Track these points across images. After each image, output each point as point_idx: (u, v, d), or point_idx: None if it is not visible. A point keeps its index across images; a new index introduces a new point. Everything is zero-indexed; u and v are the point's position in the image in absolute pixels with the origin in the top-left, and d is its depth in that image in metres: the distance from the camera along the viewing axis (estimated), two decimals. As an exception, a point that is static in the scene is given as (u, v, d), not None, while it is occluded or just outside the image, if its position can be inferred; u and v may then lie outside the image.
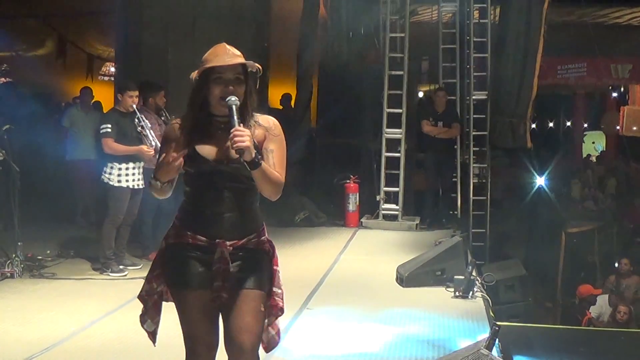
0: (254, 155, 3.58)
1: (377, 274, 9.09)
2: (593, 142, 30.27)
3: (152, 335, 3.95)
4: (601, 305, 12.37)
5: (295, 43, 15.75)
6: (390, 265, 9.03)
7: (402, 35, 13.35)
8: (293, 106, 15.79)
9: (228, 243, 3.76)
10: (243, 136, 3.55)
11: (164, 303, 3.95)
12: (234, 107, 3.69)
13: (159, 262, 3.90)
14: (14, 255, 8.51)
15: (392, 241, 11.30)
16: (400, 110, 12.75)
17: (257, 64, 3.93)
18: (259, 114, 3.92)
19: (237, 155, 3.61)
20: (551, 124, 32.06)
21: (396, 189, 12.64)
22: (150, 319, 3.92)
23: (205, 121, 3.82)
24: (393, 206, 12.59)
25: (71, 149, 11.99)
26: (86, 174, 11.51)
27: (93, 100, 13.17)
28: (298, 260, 9.71)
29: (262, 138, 3.83)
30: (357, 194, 12.48)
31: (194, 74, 3.79)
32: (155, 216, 9.23)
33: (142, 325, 3.93)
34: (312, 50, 15.56)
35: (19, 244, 8.60)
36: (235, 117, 3.64)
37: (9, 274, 8.36)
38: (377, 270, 9.24)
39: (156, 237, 8.25)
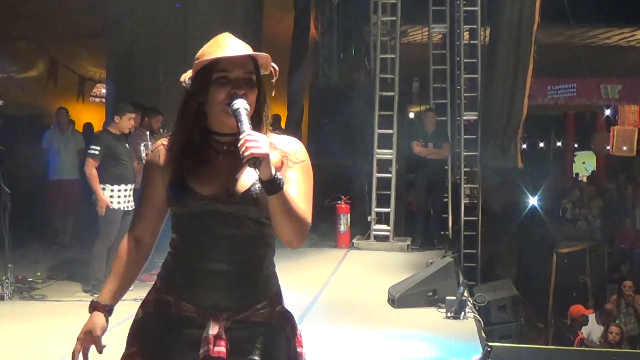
0: (273, 172, 2.57)
1: (368, 294, 9.07)
2: (584, 162, 30.43)
3: None
4: (592, 326, 12.40)
5: (286, 64, 15.79)
6: (382, 286, 9.01)
7: (393, 56, 13.38)
8: (284, 127, 15.82)
9: (225, 315, 2.77)
10: (258, 141, 2.55)
11: None
12: (242, 110, 2.70)
13: (135, 338, 2.89)
14: (4, 277, 8.48)
15: (383, 262, 11.28)
16: (391, 131, 12.76)
17: (274, 64, 2.99)
18: (276, 134, 2.99)
19: (245, 188, 2.76)
20: (542, 144, 32.21)
21: (387, 210, 12.63)
22: None
23: (199, 142, 2.85)
24: (384, 227, 12.58)
25: (52, 169, 12.07)
26: (66, 193, 11.61)
27: (83, 125, 13.22)
28: (289, 281, 9.62)
29: (280, 164, 2.83)
30: (349, 215, 12.46)
31: (186, 76, 2.88)
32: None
33: None
34: (302, 71, 15.60)
35: (10, 266, 8.57)
36: (246, 122, 2.66)
37: (-1, 296, 8.35)
38: (368, 291, 9.22)
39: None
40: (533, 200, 18.86)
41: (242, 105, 2.71)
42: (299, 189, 2.82)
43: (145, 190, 2.98)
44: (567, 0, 13.68)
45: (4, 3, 16.01)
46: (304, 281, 9.77)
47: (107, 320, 2.92)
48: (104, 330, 2.91)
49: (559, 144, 31.32)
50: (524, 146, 15.97)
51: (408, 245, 12.32)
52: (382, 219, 12.72)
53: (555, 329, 14.41)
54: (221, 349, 2.71)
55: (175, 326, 2.79)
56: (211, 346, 2.70)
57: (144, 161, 8.55)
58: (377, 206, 12.71)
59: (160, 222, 2.99)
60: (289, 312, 2.99)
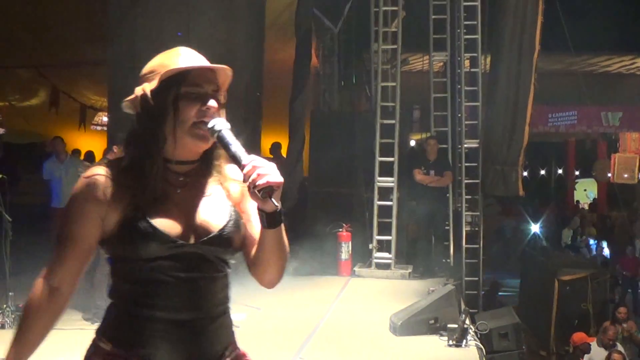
0: (279, 203, 2.34)
1: (370, 322, 9.04)
2: (585, 190, 30.41)
3: None
4: (595, 353, 12.34)
5: (287, 92, 15.84)
6: (384, 314, 8.99)
7: (394, 84, 13.41)
8: (285, 155, 15.84)
9: None
10: (269, 167, 2.31)
11: None
12: (227, 132, 2.39)
13: None
14: (5, 306, 8.46)
15: (385, 290, 11.25)
16: (392, 159, 12.77)
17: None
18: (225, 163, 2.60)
19: (217, 226, 2.44)
20: (543, 172, 32.23)
21: (389, 238, 12.61)
22: None
23: (158, 172, 2.42)
24: (386, 254, 12.55)
25: (54, 197, 12.15)
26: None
27: (85, 152, 13.25)
28: (290, 309, 9.66)
29: (241, 197, 2.56)
30: (350, 243, 12.44)
31: (143, 90, 2.44)
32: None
33: None
34: (304, 99, 15.64)
35: (10, 294, 8.55)
36: (238, 145, 2.38)
37: (0, 325, 8.31)
38: (370, 319, 9.19)
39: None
40: (535, 228, 18.88)
41: (224, 126, 2.41)
42: (256, 218, 2.46)
43: (71, 229, 2.45)
44: (567, 28, 13.75)
45: (6, 31, 16.10)
46: (305, 309, 9.75)
47: None
48: None
49: (560, 171, 31.33)
50: (525, 174, 16.00)
51: (409, 273, 12.28)
52: (384, 246, 12.69)
53: (557, 357, 14.34)
54: None
55: None
56: None
57: None
58: (379, 234, 12.69)
59: (82, 269, 2.51)
60: (245, 355, 2.73)
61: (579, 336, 12.82)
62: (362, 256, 12.76)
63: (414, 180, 12.70)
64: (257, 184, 2.25)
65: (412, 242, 13.24)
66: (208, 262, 2.45)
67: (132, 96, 2.46)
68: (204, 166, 2.53)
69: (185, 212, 2.42)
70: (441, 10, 14.19)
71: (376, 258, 12.55)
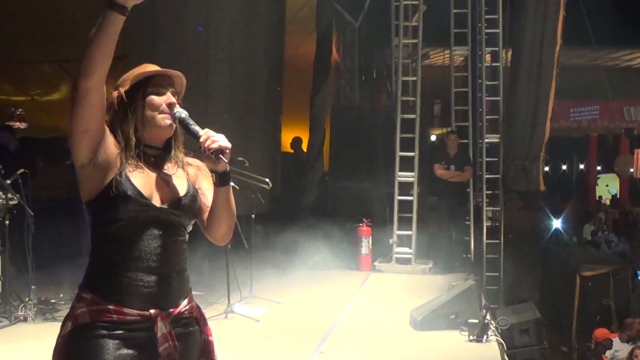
0: (228, 166, 2.98)
1: (390, 317, 9.03)
2: (607, 185, 30.27)
3: None
4: (617, 349, 12.29)
5: (308, 87, 15.83)
6: (404, 309, 8.98)
7: (414, 78, 13.38)
8: (306, 150, 15.85)
9: (165, 313, 2.97)
10: (218, 135, 2.97)
11: None
12: (186, 116, 3.08)
13: (65, 353, 2.97)
14: (27, 299, 8.50)
15: (405, 285, 11.24)
16: (412, 154, 12.75)
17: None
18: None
19: (178, 197, 3.05)
20: (564, 167, 32.09)
21: (409, 233, 12.60)
22: None
23: (136, 153, 3.04)
24: (406, 249, 12.55)
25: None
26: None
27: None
28: (311, 304, 9.67)
29: (196, 177, 3.20)
30: (370, 238, 12.44)
31: (119, 92, 3.07)
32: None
33: None
34: (324, 93, 15.63)
35: (32, 287, 8.60)
36: (194, 127, 3.03)
37: (22, 318, 8.35)
38: (390, 314, 9.18)
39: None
40: (556, 223, 18.80)
41: (184, 112, 3.09)
42: (211, 193, 3.10)
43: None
44: (589, 22, 13.68)
45: (28, 26, 16.18)
46: (325, 304, 9.76)
47: None
48: None
49: (581, 166, 31.18)
50: (547, 169, 15.94)
51: (430, 268, 12.27)
52: (404, 241, 12.68)
53: (579, 352, 14.30)
54: (174, 344, 2.94)
55: (120, 332, 2.88)
56: (170, 343, 2.94)
57: None
58: (399, 229, 12.68)
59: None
60: (199, 306, 3.23)
61: (600, 332, 12.77)
62: (382, 251, 12.75)
63: (434, 175, 12.69)
64: (210, 147, 2.90)
65: (433, 237, 13.22)
66: (172, 225, 3.02)
67: (109, 100, 3.02)
68: (168, 152, 3.16)
69: (156, 183, 3.03)
70: (462, 4, 14.15)
71: (396, 253, 12.54)
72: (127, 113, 3.04)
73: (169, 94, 3.13)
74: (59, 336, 3.01)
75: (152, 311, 2.92)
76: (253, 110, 12.19)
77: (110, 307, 2.87)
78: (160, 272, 2.96)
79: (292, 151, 16.36)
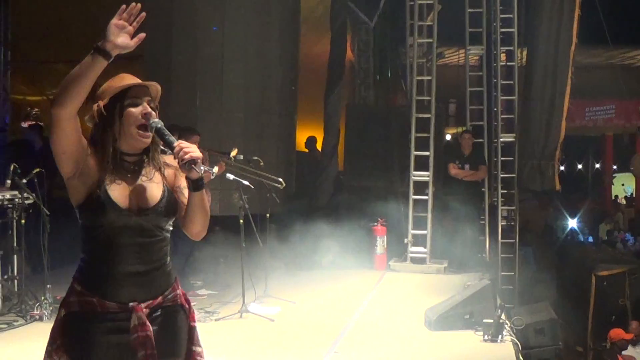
0: (201, 171, 3.26)
1: (405, 317, 9.03)
2: (622, 184, 30.12)
3: None
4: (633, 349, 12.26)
5: (322, 86, 15.83)
6: (419, 309, 8.97)
7: (429, 78, 13.35)
8: (320, 149, 15.85)
9: (143, 305, 3.31)
10: (192, 147, 3.25)
11: None
12: (160, 125, 3.32)
13: (59, 333, 3.34)
14: (42, 298, 8.54)
15: (420, 284, 11.23)
16: (427, 153, 12.72)
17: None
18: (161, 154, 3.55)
19: (154, 202, 3.36)
20: (580, 166, 31.95)
21: (424, 232, 12.58)
22: None
23: (114, 162, 3.36)
24: (421, 249, 12.53)
25: None
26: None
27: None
28: (325, 304, 9.68)
29: (174, 177, 3.51)
30: (385, 237, 12.43)
31: (98, 105, 3.38)
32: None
33: None
34: (339, 93, 15.63)
35: (48, 286, 8.63)
36: (169, 138, 3.30)
37: (37, 317, 8.39)
38: (405, 314, 9.17)
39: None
40: (572, 223, 18.74)
41: (159, 122, 3.32)
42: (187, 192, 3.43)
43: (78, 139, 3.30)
44: (605, 21, 13.62)
45: (43, 26, 16.24)
46: (340, 303, 9.76)
47: None
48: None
49: (597, 166, 31.04)
50: (562, 168, 15.89)
51: (445, 267, 12.25)
52: (419, 241, 12.66)
53: (594, 352, 14.25)
54: (147, 332, 3.26)
55: (101, 322, 3.27)
56: (139, 333, 3.25)
57: None
58: (414, 228, 12.66)
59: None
60: (185, 294, 3.57)
61: (616, 332, 12.73)
62: (397, 250, 12.74)
63: (449, 175, 12.66)
64: (183, 158, 3.18)
65: (448, 237, 13.19)
66: (147, 228, 3.34)
67: (90, 113, 3.38)
68: (146, 157, 3.45)
69: (134, 192, 3.34)
70: (477, 4, 14.10)
71: (411, 252, 12.53)
72: (105, 126, 3.35)
73: (144, 103, 3.36)
74: (55, 320, 3.37)
75: (130, 304, 3.27)
76: (268, 109, 12.21)
77: (94, 299, 3.27)
78: (138, 269, 3.32)
79: (306, 150, 16.37)
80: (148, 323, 3.29)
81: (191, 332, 3.54)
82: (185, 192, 3.42)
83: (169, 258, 3.48)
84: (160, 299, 3.39)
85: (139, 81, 3.44)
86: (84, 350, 3.27)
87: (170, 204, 3.43)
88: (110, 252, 3.30)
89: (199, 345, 3.57)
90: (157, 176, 3.44)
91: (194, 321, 3.58)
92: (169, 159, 3.46)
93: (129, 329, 3.27)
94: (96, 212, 3.27)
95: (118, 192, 3.30)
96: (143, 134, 3.35)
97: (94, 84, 3.22)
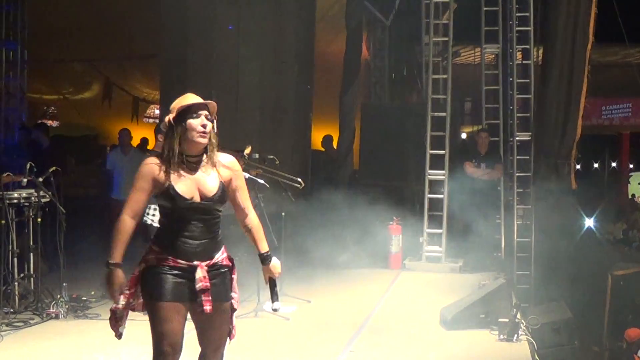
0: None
1: (420, 316, 9.02)
2: (639, 183, 29.94)
3: (120, 335, 4.59)
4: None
5: (338, 85, 15.83)
6: (434, 308, 8.96)
7: (445, 76, 13.32)
8: (336, 147, 15.84)
9: (204, 264, 4.44)
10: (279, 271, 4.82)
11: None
12: (274, 282, 4.84)
13: (135, 281, 4.52)
14: (59, 296, 8.59)
15: (435, 283, 11.21)
16: (443, 152, 12.70)
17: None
18: (218, 152, 4.59)
19: (212, 192, 4.43)
20: (596, 165, 31.78)
21: (439, 231, 12.56)
22: (123, 324, 4.56)
23: (179, 161, 4.42)
24: (436, 248, 12.50)
25: (115, 188, 12.24)
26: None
27: (140, 138, 13.36)
28: (341, 302, 9.68)
29: (229, 177, 4.58)
30: (400, 236, 12.42)
31: (170, 117, 4.45)
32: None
33: (117, 329, 4.56)
34: (354, 92, 15.62)
35: (64, 284, 8.68)
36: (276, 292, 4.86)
37: (53, 315, 8.43)
38: (420, 313, 9.17)
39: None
40: (588, 222, 18.63)
41: (277, 306, 4.86)
42: (243, 194, 4.71)
43: (139, 189, 4.46)
44: (622, 19, 13.55)
45: (60, 26, 16.31)
46: (355, 302, 9.76)
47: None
48: (124, 279, 4.48)
49: (613, 164, 30.88)
50: (578, 167, 15.83)
51: (460, 266, 12.22)
52: (434, 240, 12.64)
53: (610, 352, 14.18)
54: (207, 283, 4.41)
55: (172, 271, 4.41)
56: (202, 283, 4.39)
57: None
58: (429, 227, 12.64)
59: (142, 208, 4.53)
60: (231, 256, 4.69)
61: (633, 331, 12.66)
62: (412, 249, 12.72)
63: (464, 173, 12.63)
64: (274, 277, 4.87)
65: (463, 236, 13.15)
66: (206, 212, 4.47)
67: (164, 122, 4.50)
68: (205, 158, 4.51)
69: (196, 185, 4.44)
70: (493, 2, 14.03)
71: (427, 251, 12.51)
72: (173, 133, 4.42)
73: (202, 117, 4.43)
74: (135, 271, 4.50)
75: (195, 262, 4.41)
76: (283, 108, 12.23)
77: (169, 258, 4.41)
78: (202, 240, 4.45)
79: (322, 149, 16.36)
80: (207, 277, 4.41)
81: (231, 282, 4.66)
82: (240, 191, 4.67)
83: (220, 231, 4.57)
84: (214, 259, 4.50)
85: (200, 100, 4.50)
86: (158, 282, 4.38)
87: (223, 194, 4.51)
88: (180, 226, 4.41)
89: (236, 292, 4.68)
90: (214, 172, 4.49)
91: (234, 274, 4.68)
92: (222, 156, 4.58)
93: (195, 279, 4.38)
94: (168, 202, 4.38)
95: (183, 185, 4.39)
96: (201, 135, 4.40)
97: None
